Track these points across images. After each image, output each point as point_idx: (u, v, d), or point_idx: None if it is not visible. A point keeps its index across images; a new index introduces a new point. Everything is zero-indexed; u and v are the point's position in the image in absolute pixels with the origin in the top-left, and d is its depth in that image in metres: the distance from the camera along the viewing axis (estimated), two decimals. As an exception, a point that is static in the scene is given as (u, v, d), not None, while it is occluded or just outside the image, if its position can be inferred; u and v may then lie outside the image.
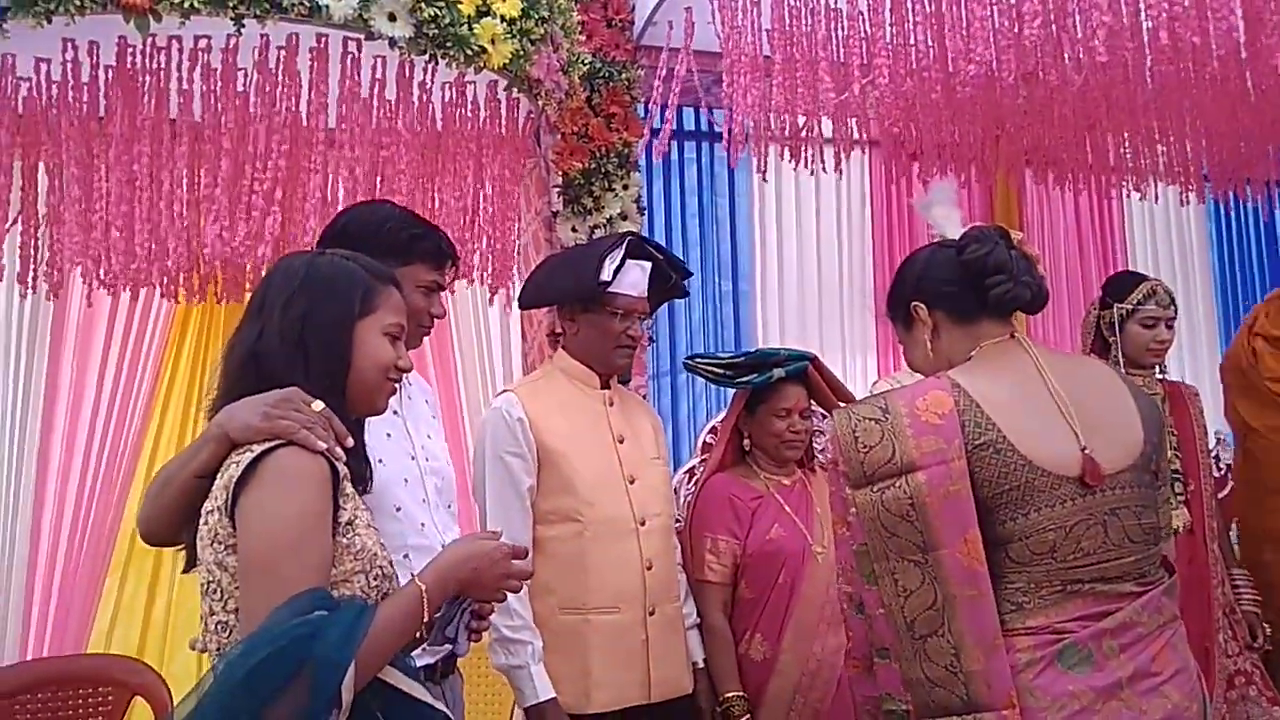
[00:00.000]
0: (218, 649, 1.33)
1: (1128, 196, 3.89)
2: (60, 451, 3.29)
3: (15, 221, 2.66)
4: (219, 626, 1.34)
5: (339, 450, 1.38)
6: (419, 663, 1.70)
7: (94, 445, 3.29)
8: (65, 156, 2.51)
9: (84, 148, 2.55)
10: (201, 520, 1.37)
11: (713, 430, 3.34)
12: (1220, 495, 3.16)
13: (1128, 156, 3.69)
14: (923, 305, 1.73)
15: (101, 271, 2.63)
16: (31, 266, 2.73)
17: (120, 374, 3.30)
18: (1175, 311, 2.91)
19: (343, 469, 1.40)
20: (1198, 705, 1.57)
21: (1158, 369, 2.90)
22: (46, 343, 3.25)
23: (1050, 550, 1.54)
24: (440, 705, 1.42)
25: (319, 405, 1.39)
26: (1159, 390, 2.87)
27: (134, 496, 3.34)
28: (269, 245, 2.39)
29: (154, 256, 2.52)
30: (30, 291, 2.78)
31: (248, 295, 3.10)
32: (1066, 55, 2.54)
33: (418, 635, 1.40)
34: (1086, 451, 1.56)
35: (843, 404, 2.00)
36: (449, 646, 1.53)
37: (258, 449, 1.34)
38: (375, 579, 1.39)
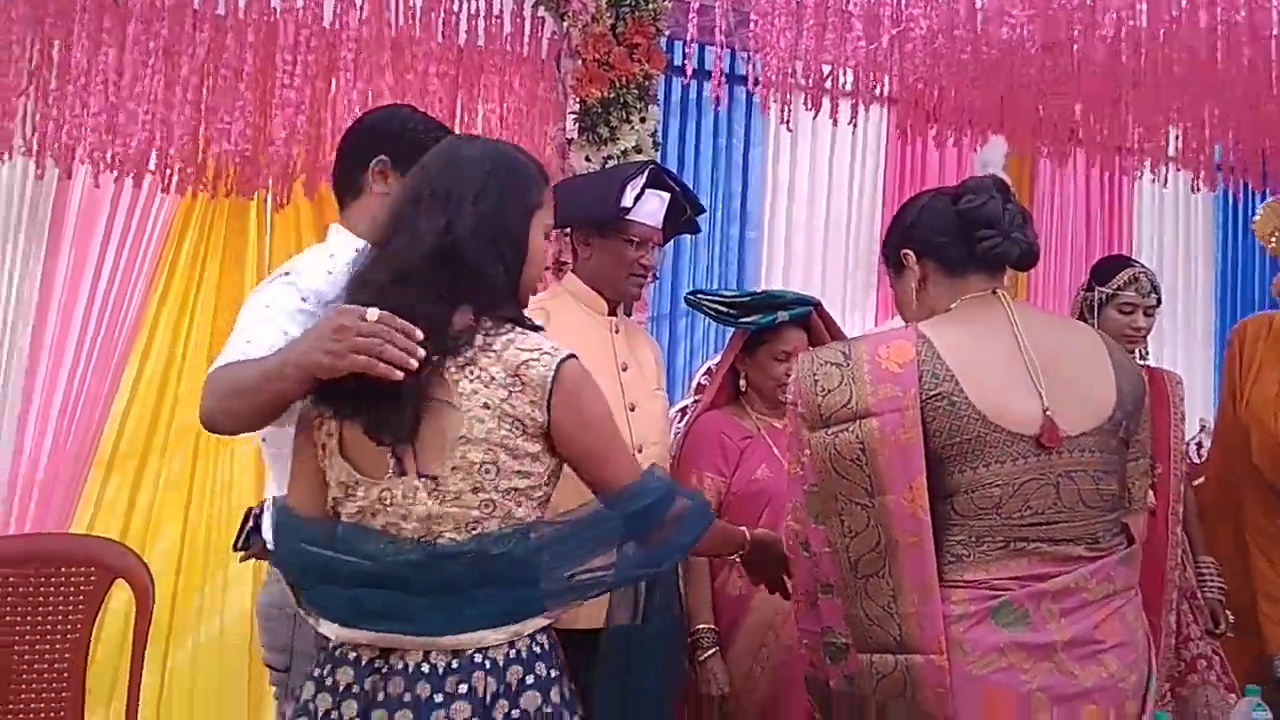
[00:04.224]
0: (473, 524, 1.42)
1: (1140, 178, 3.88)
2: (53, 337, 3.25)
3: (24, 94, 2.62)
4: (485, 504, 1.43)
5: (411, 361, 1.38)
6: None
7: (87, 333, 3.25)
8: (78, 30, 2.46)
9: (97, 23, 2.49)
10: (479, 409, 1.42)
11: (708, 371, 3.35)
12: (1195, 483, 3.22)
13: (1138, 137, 3.67)
14: (912, 253, 1.72)
15: (108, 154, 2.60)
16: (41, 143, 2.69)
17: (119, 263, 3.26)
18: (1157, 300, 2.93)
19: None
20: (1137, 677, 1.59)
21: (1137, 355, 2.93)
22: (46, 226, 3.19)
23: (995, 506, 1.56)
24: None
25: (373, 314, 1.38)
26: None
27: (124, 389, 3.32)
28: (291, 143, 2.37)
29: (161, 142, 2.49)
30: (39, 169, 2.74)
31: (259, 192, 3.10)
32: (1103, 27, 2.51)
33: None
34: (1048, 413, 1.57)
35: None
36: None
37: (557, 358, 1.45)
38: None
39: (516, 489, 1.45)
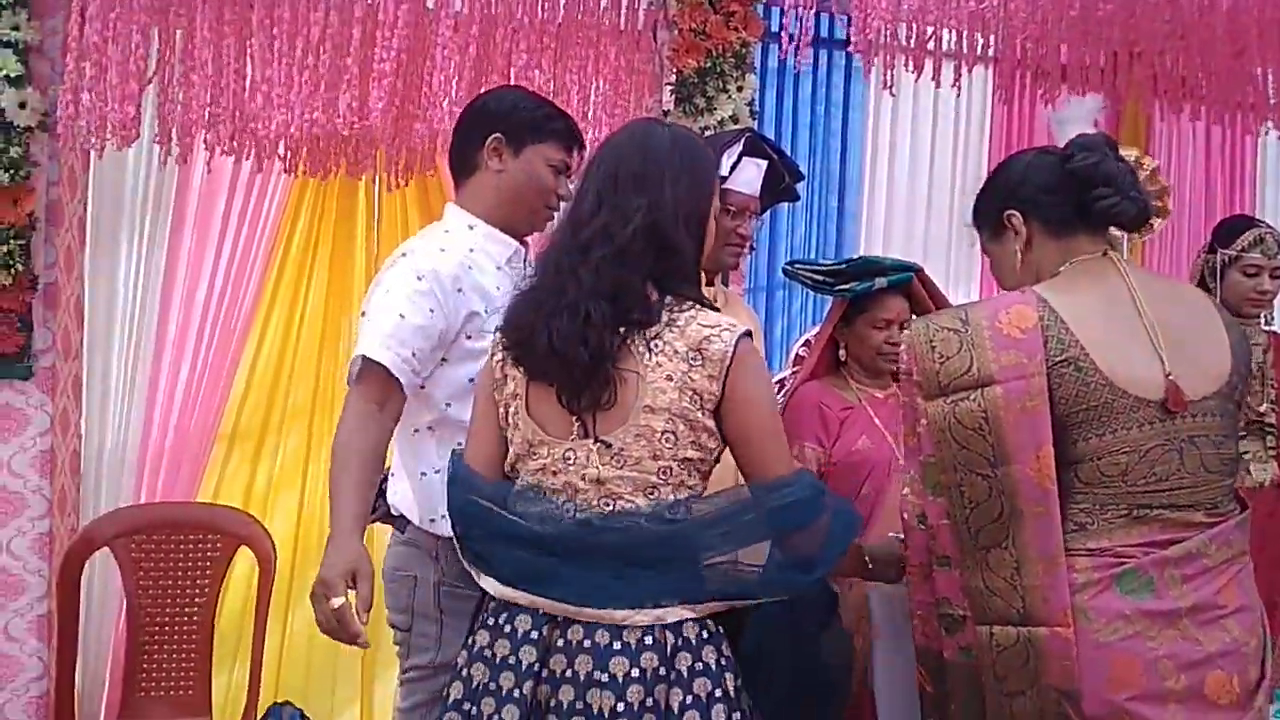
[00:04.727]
0: (651, 489, 1.51)
1: (1265, 134, 3.69)
2: (178, 318, 3.36)
3: (150, 82, 2.73)
4: (662, 471, 1.51)
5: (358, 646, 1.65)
6: None
7: (209, 315, 3.35)
8: (199, 19, 2.57)
9: (218, 13, 2.59)
10: (662, 380, 1.50)
11: (806, 343, 3.32)
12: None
13: (1263, 92, 3.48)
14: (1017, 214, 1.68)
15: (229, 139, 2.70)
16: (164, 129, 2.81)
17: (237, 245, 3.35)
18: None
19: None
20: (1256, 641, 1.56)
21: (1263, 320, 2.82)
22: (170, 210, 3.30)
23: (1121, 473, 1.53)
24: None
25: (336, 603, 1.60)
26: (1263, 341, 2.81)
27: (243, 368, 3.43)
28: (391, 118, 2.43)
29: (281, 127, 2.58)
30: (165, 154, 2.86)
31: (367, 172, 3.17)
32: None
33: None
34: (1171, 377, 1.53)
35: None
36: None
37: (736, 334, 1.53)
38: None
39: (690, 459, 1.53)
